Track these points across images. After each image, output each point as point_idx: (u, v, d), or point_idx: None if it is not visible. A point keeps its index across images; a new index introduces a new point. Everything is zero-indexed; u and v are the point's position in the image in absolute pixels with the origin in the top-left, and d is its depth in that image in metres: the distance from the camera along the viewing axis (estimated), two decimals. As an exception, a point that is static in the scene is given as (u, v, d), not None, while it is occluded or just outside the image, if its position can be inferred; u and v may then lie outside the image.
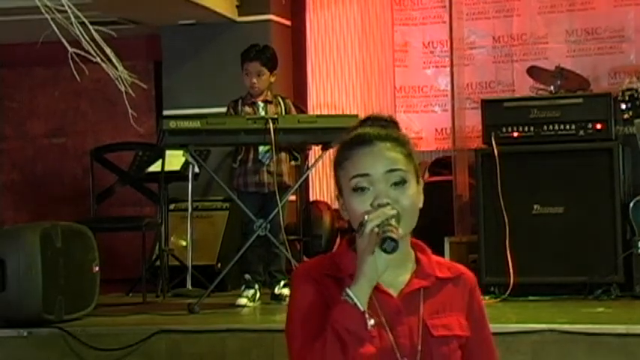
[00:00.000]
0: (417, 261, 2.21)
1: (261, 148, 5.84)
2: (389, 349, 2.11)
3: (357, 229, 2.09)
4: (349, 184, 2.14)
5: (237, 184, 5.94)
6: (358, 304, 2.03)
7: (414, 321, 2.14)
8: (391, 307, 2.13)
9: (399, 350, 2.11)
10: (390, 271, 2.14)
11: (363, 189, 2.12)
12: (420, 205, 2.18)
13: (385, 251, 2.01)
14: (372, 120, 2.24)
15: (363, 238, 2.05)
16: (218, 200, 7.31)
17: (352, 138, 2.18)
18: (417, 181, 2.18)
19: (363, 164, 2.13)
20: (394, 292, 2.15)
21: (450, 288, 2.20)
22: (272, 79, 5.98)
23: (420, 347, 2.12)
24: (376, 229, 2.03)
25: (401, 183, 2.13)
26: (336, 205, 7.86)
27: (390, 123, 2.23)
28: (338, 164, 2.19)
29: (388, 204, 2.09)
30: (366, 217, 2.06)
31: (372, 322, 2.04)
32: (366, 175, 2.12)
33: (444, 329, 2.15)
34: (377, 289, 2.11)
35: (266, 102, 5.96)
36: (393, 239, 2.00)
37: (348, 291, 2.04)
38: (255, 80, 5.88)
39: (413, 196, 2.14)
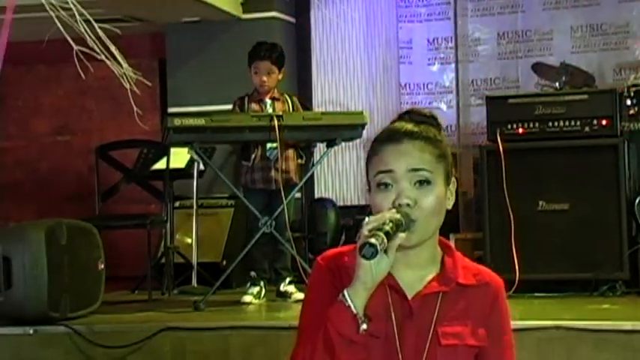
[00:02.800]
0: (442, 264, 2.16)
1: (268, 146, 5.84)
2: (393, 351, 2.08)
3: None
4: (374, 179, 2.10)
5: (245, 180, 5.94)
6: (352, 306, 2.00)
7: (425, 326, 2.10)
8: (404, 308, 2.10)
9: (403, 353, 2.08)
10: (413, 272, 2.12)
11: (386, 185, 2.08)
12: (449, 206, 2.14)
13: (364, 257, 1.95)
14: (410, 114, 2.19)
15: (359, 242, 2.00)
16: (223, 197, 7.31)
17: (383, 133, 2.15)
18: (448, 182, 2.13)
19: (387, 160, 2.09)
20: (411, 294, 2.11)
21: (470, 296, 2.15)
22: (280, 77, 5.98)
23: (425, 354, 2.09)
24: (366, 233, 1.99)
25: (425, 183, 2.08)
26: (341, 203, 7.82)
27: (429, 119, 2.19)
28: (368, 159, 2.15)
29: (408, 205, 2.06)
30: (367, 218, 2.03)
31: (364, 326, 2.00)
32: (390, 171, 2.08)
33: (453, 338, 2.10)
34: (393, 289, 2.10)
35: (273, 99, 5.95)
36: (371, 245, 1.94)
37: (345, 292, 2.01)
38: (265, 79, 5.88)
39: (437, 198, 2.09)
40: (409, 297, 2.11)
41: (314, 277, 2.19)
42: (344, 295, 2.01)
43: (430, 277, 2.14)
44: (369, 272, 1.99)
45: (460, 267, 2.17)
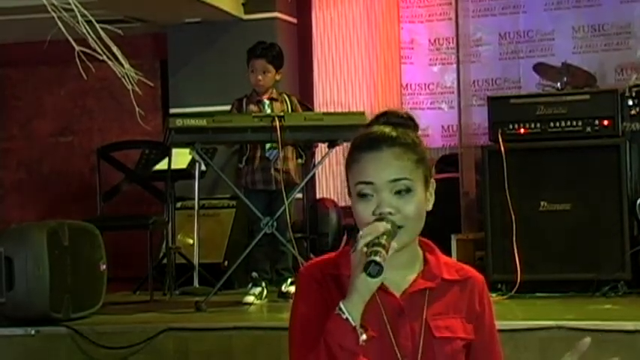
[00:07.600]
0: (425, 261, 2.18)
1: (267, 146, 5.84)
2: (390, 349, 2.09)
3: (354, 242, 2.07)
4: (355, 188, 2.11)
5: (245, 182, 5.94)
6: (350, 319, 2.00)
7: (417, 322, 2.12)
8: (394, 307, 2.12)
9: (400, 351, 2.10)
10: (397, 272, 2.13)
11: (366, 195, 2.09)
12: (429, 208, 2.15)
13: (370, 275, 1.97)
14: (387, 116, 2.18)
15: (355, 254, 2.02)
16: (225, 198, 7.31)
17: (362, 139, 2.13)
18: (427, 186, 2.14)
19: (367, 171, 2.09)
20: (398, 292, 2.13)
21: (456, 291, 2.18)
22: (278, 77, 5.98)
23: (421, 348, 2.10)
24: (365, 249, 2.00)
25: (405, 192, 2.09)
26: (342, 203, 7.81)
27: (407, 120, 2.18)
28: (347, 164, 2.15)
29: (390, 213, 2.06)
30: (360, 232, 2.04)
31: (364, 337, 2.01)
32: (370, 182, 2.09)
33: (446, 331, 2.13)
34: (380, 289, 2.10)
35: (272, 100, 5.96)
36: (377, 263, 1.96)
37: (342, 305, 2.01)
38: (260, 77, 5.88)
39: (418, 203, 2.10)
40: (397, 295, 2.13)
41: (301, 288, 2.19)
42: (340, 309, 2.01)
43: (414, 275, 2.16)
44: (366, 283, 2.01)
45: (442, 264, 2.20)
